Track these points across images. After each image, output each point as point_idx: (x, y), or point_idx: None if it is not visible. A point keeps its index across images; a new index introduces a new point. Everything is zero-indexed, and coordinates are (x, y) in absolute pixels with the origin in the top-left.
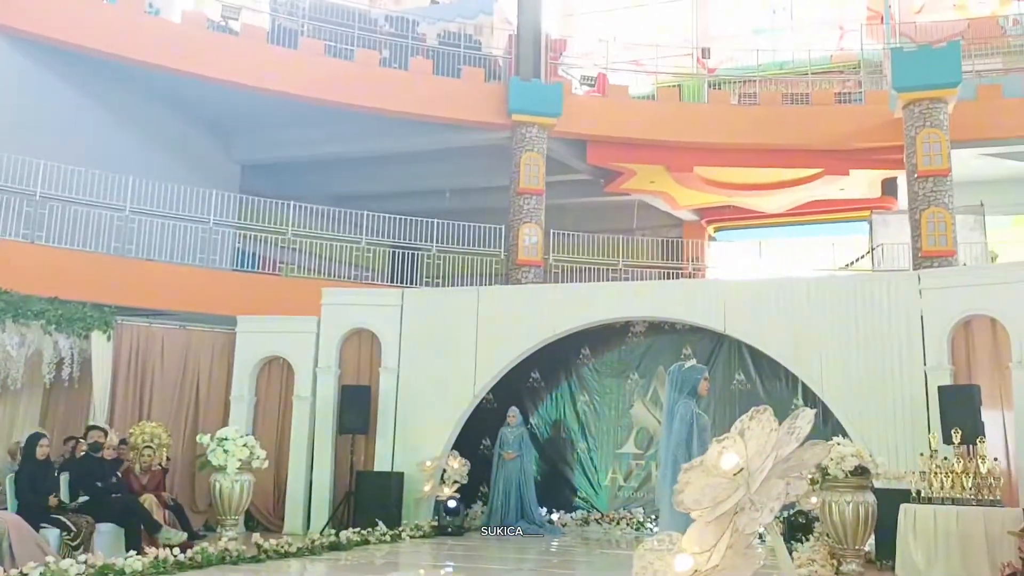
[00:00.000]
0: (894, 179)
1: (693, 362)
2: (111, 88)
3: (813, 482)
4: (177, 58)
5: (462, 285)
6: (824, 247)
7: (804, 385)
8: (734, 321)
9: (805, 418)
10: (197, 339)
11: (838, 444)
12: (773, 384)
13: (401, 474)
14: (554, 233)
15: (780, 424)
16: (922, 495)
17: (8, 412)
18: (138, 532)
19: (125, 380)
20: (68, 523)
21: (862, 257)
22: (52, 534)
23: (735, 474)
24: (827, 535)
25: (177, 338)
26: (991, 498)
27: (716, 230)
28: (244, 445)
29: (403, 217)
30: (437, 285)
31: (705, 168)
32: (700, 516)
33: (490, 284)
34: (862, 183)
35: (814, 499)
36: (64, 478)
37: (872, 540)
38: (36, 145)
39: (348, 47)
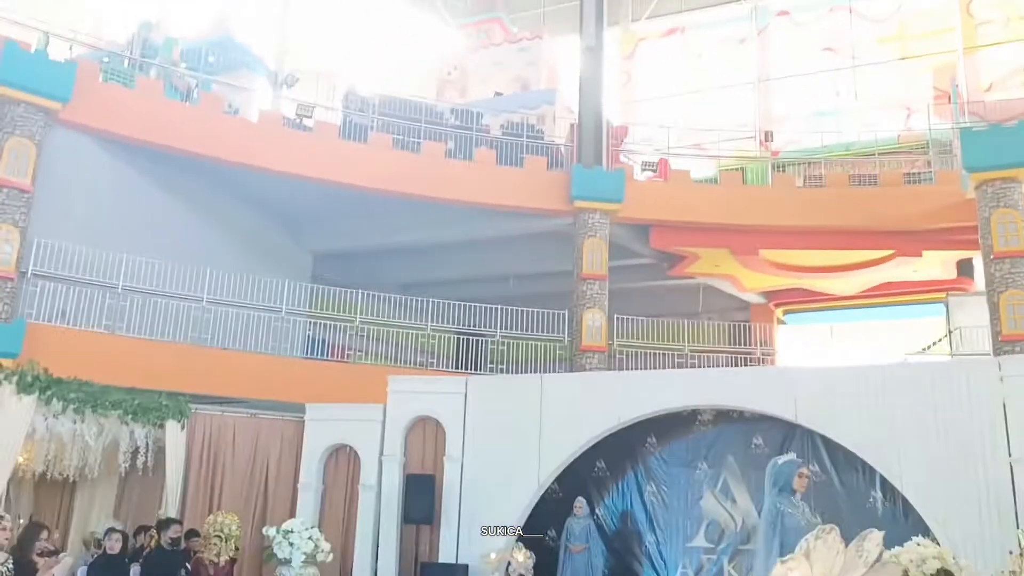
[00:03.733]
0: (970, 260)
1: (791, 456)
2: (190, 184)
3: None
4: (254, 155)
5: (526, 371)
6: (898, 331)
7: (882, 477)
8: (806, 409)
9: (873, 540)
10: (267, 427)
11: (919, 545)
12: (849, 476)
13: (466, 566)
14: (618, 318)
15: (848, 545)
16: None
17: (85, 501)
18: None
19: (197, 469)
20: None
21: (939, 341)
22: None
23: None
24: None
25: (248, 426)
26: None
27: (785, 313)
28: (309, 538)
29: (468, 304)
30: (501, 371)
31: (772, 251)
32: None
33: (554, 370)
34: (936, 264)
35: None
36: (135, 571)
37: None
38: (119, 239)
39: (415, 140)
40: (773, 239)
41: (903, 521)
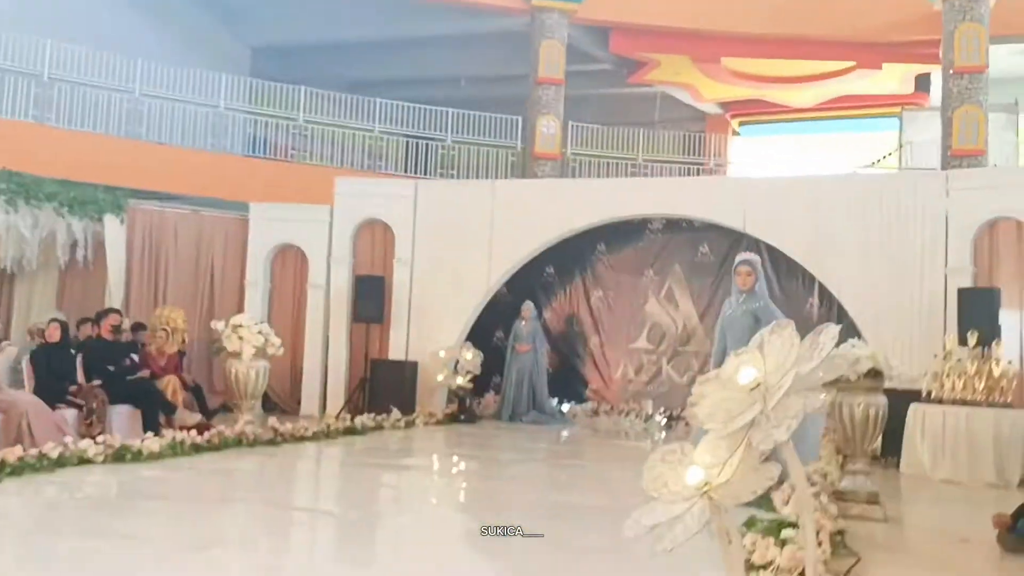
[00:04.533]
0: (928, 75)
1: (746, 255)
2: None
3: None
4: None
5: (477, 177)
6: (852, 144)
7: (821, 286)
8: (754, 219)
9: (829, 335)
10: (210, 224)
11: (853, 347)
12: (790, 283)
13: (415, 363)
14: (573, 125)
15: (802, 339)
16: (932, 396)
17: (25, 293)
18: (155, 414)
19: (139, 264)
20: (83, 404)
21: (889, 155)
22: (69, 414)
23: (752, 389)
24: (834, 431)
25: (190, 222)
26: (1003, 400)
27: (740, 124)
28: (259, 332)
29: (418, 106)
30: (452, 177)
31: (733, 59)
32: (714, 430)
33: (506, 177)
34: (895, 78)
35: (822, 396)
36: (79, 359)
37: (880, 438)
38: (41, 24)
39: None
40: (735, 47)
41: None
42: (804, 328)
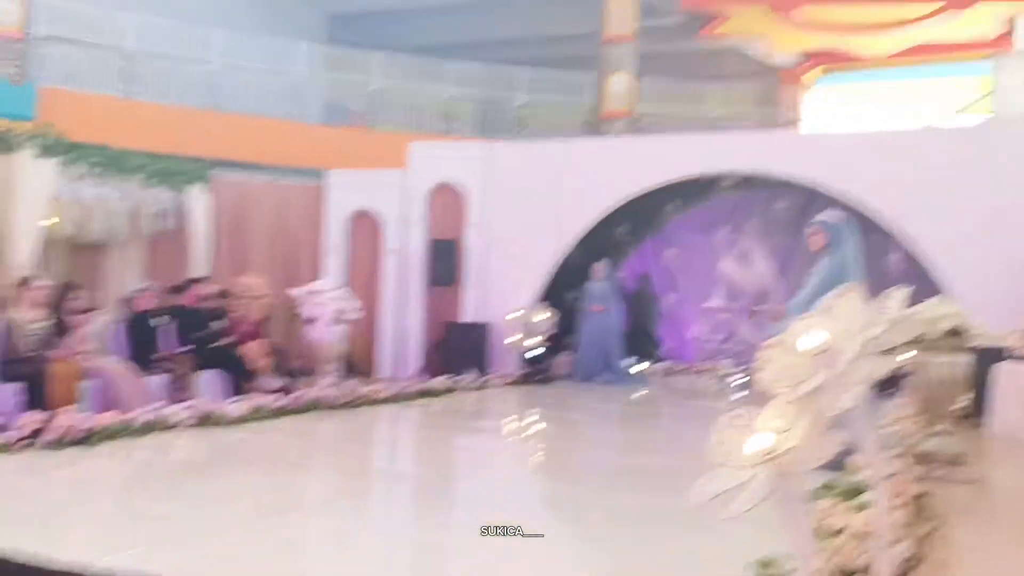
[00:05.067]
0: (1020, 17)
1: (821, 215)
2: None
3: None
4: None
5: (549, 137)
6: (939, 92)
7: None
8: (830, 175)
9: (898, 297)
10: (289, 192)
11: (934, 305)
12: (868, 239)
13: (488, 324)
14: (644, 82)
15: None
16: (1018, 353)
17: (115, 264)
18: (239, 379)
19: (223, 233)
20: (172, 370)
21: (977, 101)
22: (158, 381)
23: (818, 354)
24: (918, 392)
25: (269, 191)
26: None
27: (818, 77)
28: (337, 297)
29: (490, 66)
30: (525, 138)
31: (809, 7)
32: (780, 395)
33: (578, 136)
34: (986, 20)
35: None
36: (170, 327)
37: (969, 398)
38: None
39: None
40: None
41: (919, 285)
42: (884, 284)
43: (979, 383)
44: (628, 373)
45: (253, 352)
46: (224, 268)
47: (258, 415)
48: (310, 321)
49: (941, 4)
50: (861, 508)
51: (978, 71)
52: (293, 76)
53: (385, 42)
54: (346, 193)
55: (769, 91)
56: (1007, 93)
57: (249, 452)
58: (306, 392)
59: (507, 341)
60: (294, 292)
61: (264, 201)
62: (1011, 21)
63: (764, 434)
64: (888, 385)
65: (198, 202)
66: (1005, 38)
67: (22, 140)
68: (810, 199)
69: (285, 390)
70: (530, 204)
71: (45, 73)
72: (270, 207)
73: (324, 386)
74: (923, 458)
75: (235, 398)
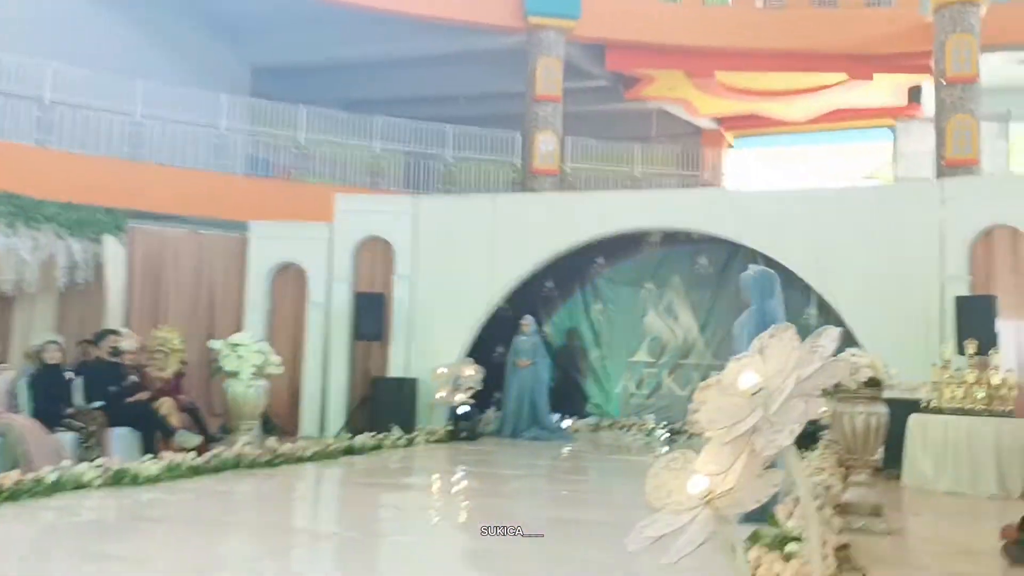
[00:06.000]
0: (919, 86)
1: (760, 267)
2: None
3: (824, 392)
4: None
5: (477, 193)
6: (846, 156)
7: (819, 296)
8: (750, 231)
9: (829, 337)
10: (210, 244)
11: (853, 355)
12: (788, 294)
13: (415, 380)
14: (571, 141)
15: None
16: (932, 405)
17: (24, 316)
18: (153, 436)
19: (139, 285)
20: (82, 427)
21: (882, 168)
22: (67, 438)
23: (753, 394)
24: (836, 443)
25: (190, 242)
26: (1003, 409)
27: (735, 138)
28: (258, 351)
29: (417, 122)
30: (452, 192)
31: (726, 74)
32: (715, 437)
33: (506, 192)
34: (887, 89)
35: (823, 408)
36: (79, 382)
37: (881, 450)
38: (44, 47)
39: None
40: (729, 61)
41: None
42: (803, 336)
43: (894, 434)
44: (555, 429)
45: (168, 408)
46: (140, 321)
47: (173, 474)
48: (230, 375)
49: (844, 76)
50: (789, 557)
51: (885, 136)
52: (216, 128)
53: (310, 96)
54: (269, 245)
55: (692, 151)
56: (908, 157)
57: (164, 511)
58: (224, 450)
59: (435, 397)
60: (214, 345)
61: (183, 252)
62: (913, 91)
63: (701, 477)
64: (807, 437)
65: (114, 253)
66: (913, 105)
67: None
68: (732, 254)
69: (202, 448)
70: (459, 258)
71: None
72: (189, 258)
73: (243, 443)
74: (844, 509)
75: (149, 456)
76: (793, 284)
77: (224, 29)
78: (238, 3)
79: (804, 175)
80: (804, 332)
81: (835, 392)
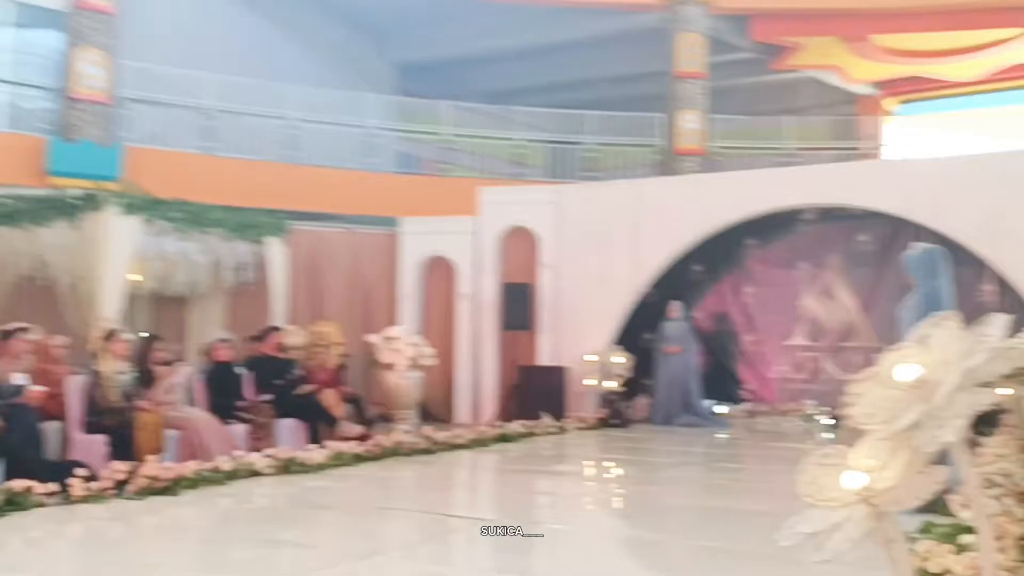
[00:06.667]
0: None
1: (925, 244)
2: None
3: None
4: None
5: (621, 178)
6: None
7: (995, 272)
8: (915, 203)
9: (997, 325)
10: (363, 241)
11: None
12: (959, 271)
13: (564, 368)
14: (716, 119)
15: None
16: None
17: (197, 316)
18: (318, 426)
19: (300, 283)
20: (252, 419)
21: None
22: (239, 429)
23: (914, 387)
24: (1019, 428)
25: (345, 241)
26: None
27: (898, 104)
28: (411, 343)
29: (558, 111)
30: (595, 179)
31: (884, 36)
32: (873, 432)
33: (650, 176)
34: None
35: (1005, 390)
36: (248, 377)
37: None
38: (201, 60)
39: None
40: (886, 22)
41: (1015, 315)
42: (977, 316)
43: None
44: (709, 415)
45: (331, 399)
46: (302, 317)
47: (337, 462)
48: (387, 367)
49: (1021, 30)
50: (963, 550)
51: None
52: (365, 127)
53: (452, 90)
54: (419, 240)
55: (847, 121)
56: None
57: (329, 498)
58: (385, 438)
59: (584, 384)
60: (371, 339)
61: (339, 250)
62: None
63: (857, 472)
64: (986, 422)
65: (276, 253)
66: None
67: (108, 199)
68: (895, 230)
69: (364, 437)
70: (603, 245)
71: (130, 134)
72: (345, 256)
73: (402, 432)
74: None
75: (315, 445)
76: (965, 260)
77: (368, 29)
78: (382, 4)
79: (975, 141)
80: (979, 311)
81: (1016, 376)
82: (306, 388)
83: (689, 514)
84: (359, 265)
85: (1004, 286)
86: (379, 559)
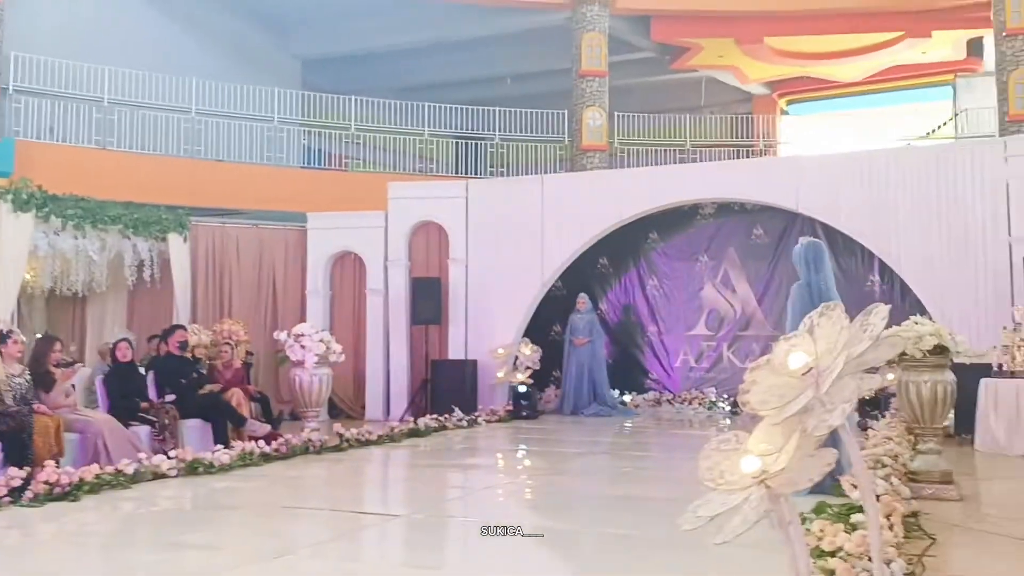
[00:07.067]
0: (980, 39)
1: (808, 239)
2: None
3: (889, 362)
4: None
5: (527, 173)
6: (905, 116)
7: (881, 262)
8: (807, 198)
9: (879, 315)
10: (270, 237)
11: (916, 323)
12: (848, 261)
13: (475, 361)
14: (618, 116)
15: (853, 320)
16: (1003, 369)
17: (96, 315)
18: (224, 426)
19: (204, 280)
20: (155, 420)
21: (944, 124)
22: (142, 431)
23: (803, 374)
24: (903, 412)
25: (250, 236)
26: None
27: (789, 103)
28: (320, 340)
29: (465, 107)
30: (502, 174)
31: (776, 38)
32: (767, 417)
33: (554, 172)
34: (945, 45)
35: (890, 375)
36: (150, 377)
37: (951, 415)
38: (95, 51)
39: None
40: (779, 25)
41: (900, 303)
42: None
43: (966, 400)
44: (616, 405)
45: (237, 398)
46: (206, 315)
47: (245, 462)
48: (295, 364)
49: (901, 33)
50: (854, 528)
51: (945, 94)
52: (270, 121)
53: (359, 86)
54: (327, 235)
55: (743, 119)
56: (970, 114)
57: (237, 499)
58: (293, 437)
59: (495, 377)
60: (278, 336)
61: (245, 246)
62: (973, 45)
63: (753, 457)
64: (874, 405)
65: (178, 250)
66: (973, 60)
67: None
68: (789, 223)
69: (271, 436)
70: (511, 240)
71: (20, 127)
72: (251, 252)
73: (311, 430)
74: (912, 477)
75: (220, 446)
76: (854, 251)
77: (270, 22)
78: None
79: (861, 138)
80: (867, 300)
81: (900, 361)
82: (211, 387)
83: (597, 503)
84: (265, 261)
85: (890, 276)
86: (288, 558)
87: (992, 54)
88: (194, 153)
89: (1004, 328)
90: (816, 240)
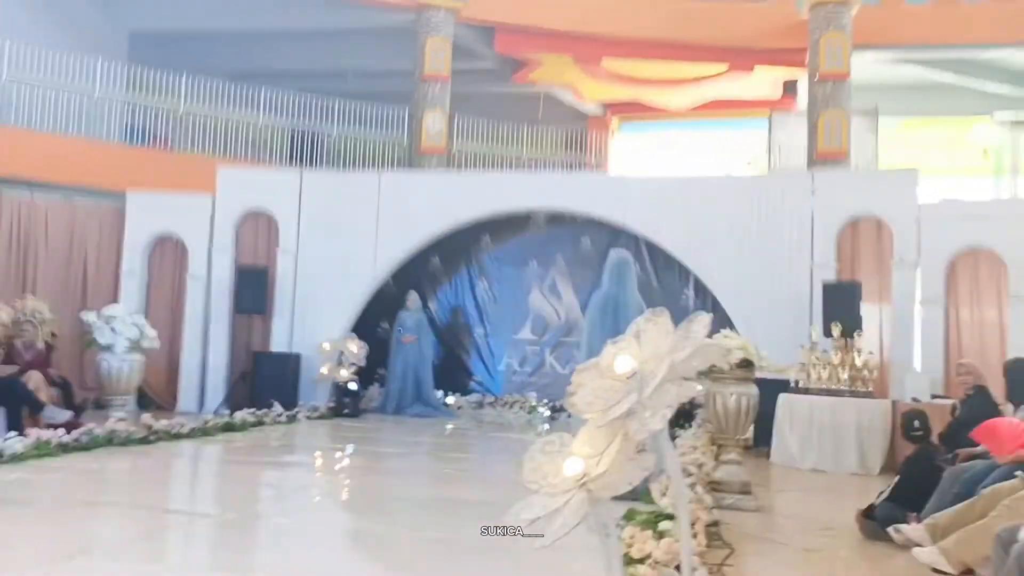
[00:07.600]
0: (795, 81)
1: (618, 253)
2: None
3: (699, 373)
4: None
5: (363, 170)
6: (725, 144)
7: (696, 278)
8: (633, 214)
9: (701, 323)
10: (84, 212)
11: (725, 337)
12: (666, 275)
13: (298, 355)
14: (459, 121)
15: (677, 327)
16: (800, 385)
17: None
18: (20, 412)
19: (7, 254)
20: None
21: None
22: None
23: (628, 378)
24: (709, 423)
25: (62, 211)
26: (864, 390)
27: (620, 124)
28: (133, 324)
29: (304, 94)
30: (338, 169)
31: (613, 61)
32: (592, 420)
33: (392, 169)
34: (765, 82)
35: (699, 387)
36: None
37: (751, 428)
38: None
39: None
40: (615, 48)
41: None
42: (680, 319)
43: (764, 413)
44: (439, 405)
45: (36, 382)
46: (7, 290)
47: (41, 452)
48: (103, 348)
49: (725, 67)
50: (662, 536)
51: (761, 127)
52: (89, 93)
53: (192, 65)
54: (148, 215)
55: (578, 135)
56: (783, 148)
57: (30, 492)
58: (96, 426)
59: (318, 373)
60: (86, 317)
61: (55, 221)
62: (789, 85)
63: (576, 459)
64: (683, 416)
65: None
66: (789, 98)
67: None
68: (614, 236)
69: (72, 424)
70: (344, 234)
71: None
72: (62, 227)
73: (117, 420)
74: (715, 486)
75: (15, 433)
76: (672, 267)
77: None
78: None
79: (685, 162)
80: (682, 313)
81: (708, 373)
82: (8, 369)
83: (416, 505)
84: (77, 238)
85: (703, 292)
86: (83, 560)
87: (806, 95)
88: (4, 120)
89: (802, 346)
90: (625, 255)
